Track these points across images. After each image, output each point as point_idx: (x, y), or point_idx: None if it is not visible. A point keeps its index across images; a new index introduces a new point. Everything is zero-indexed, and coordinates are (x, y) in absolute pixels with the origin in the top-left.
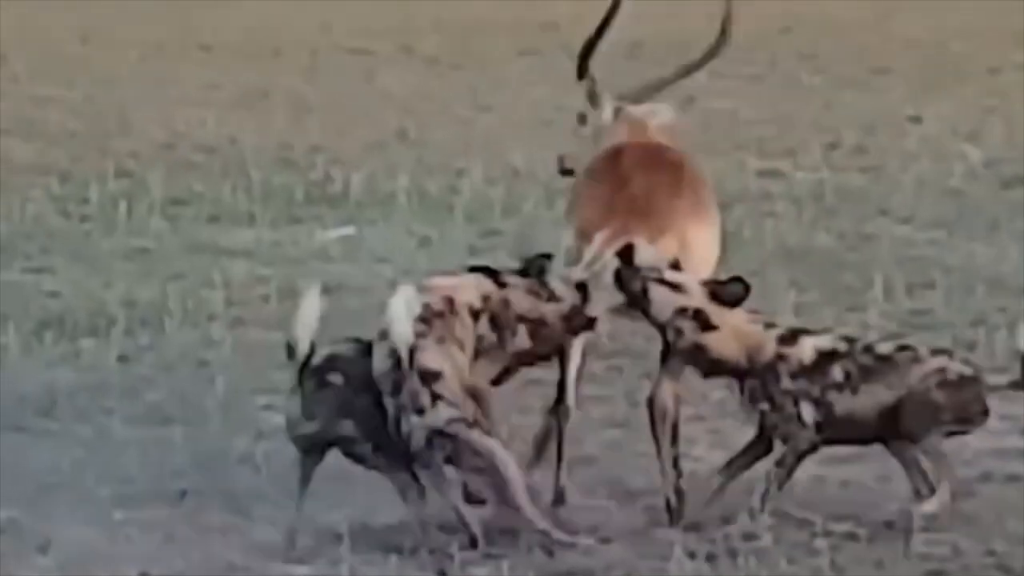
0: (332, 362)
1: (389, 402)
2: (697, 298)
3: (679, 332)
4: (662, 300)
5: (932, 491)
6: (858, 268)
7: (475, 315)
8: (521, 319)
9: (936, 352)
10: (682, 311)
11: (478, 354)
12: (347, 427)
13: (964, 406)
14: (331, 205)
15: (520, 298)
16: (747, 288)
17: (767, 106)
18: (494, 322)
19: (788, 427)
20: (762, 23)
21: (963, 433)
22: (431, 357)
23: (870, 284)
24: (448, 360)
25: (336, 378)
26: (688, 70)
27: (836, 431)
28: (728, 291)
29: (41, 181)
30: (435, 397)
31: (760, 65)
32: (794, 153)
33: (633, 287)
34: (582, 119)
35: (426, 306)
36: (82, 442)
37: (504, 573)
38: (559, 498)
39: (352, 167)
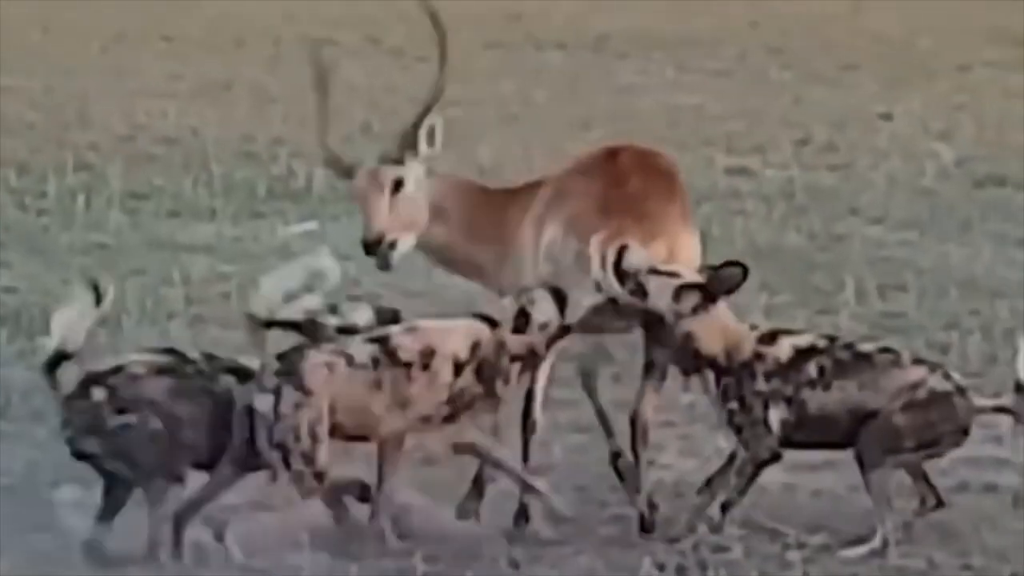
0: (103, 379)
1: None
2: (696, 278)
3: (679, 315)
4: (661, 285)
5: (936, 501)
6: (829, 269)
7: (457, 368)
8: (515, 359)
9: (918, 361)
10: (685, 287)
11: (461, 408)
12: (91, 444)
13: (929, 427)
14: (294, 200)
15: (512, 337)
16: (745, 271)
17: (735, 101)
18: (480, 372)
19: (753, 431)
20: (729, 17)
21: (936, 456)
22: (316, 381)
23: (841, 286)
24: (349, 395)
25: (99, 394)
26: (431, 102)
27: (808, 432)
28: (724, 275)
29: None
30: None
31: (727, 60)
32: (763, 150)
33: (627, 287)
34: (397, 185)
35: (391, 352)
36: (37, 444)
37: None
38: (523, 515)
39: (315, 161)
